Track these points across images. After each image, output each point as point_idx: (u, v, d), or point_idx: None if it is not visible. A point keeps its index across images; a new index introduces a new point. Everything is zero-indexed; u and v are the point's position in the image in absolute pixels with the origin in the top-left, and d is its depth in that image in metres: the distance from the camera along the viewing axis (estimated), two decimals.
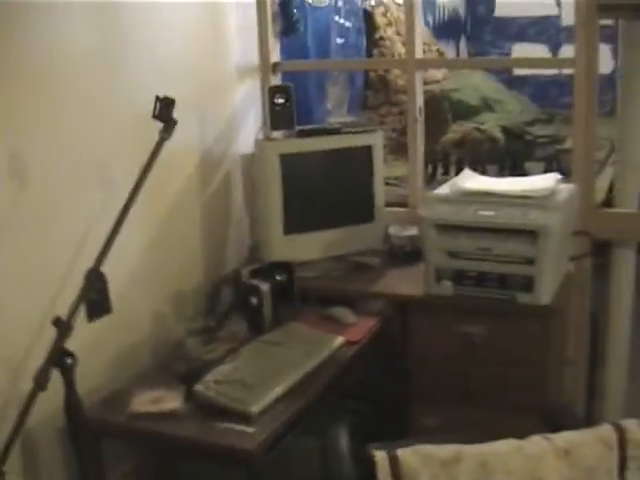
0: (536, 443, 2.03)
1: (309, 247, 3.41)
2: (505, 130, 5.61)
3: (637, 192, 3.46)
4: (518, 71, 7.93)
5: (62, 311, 2.28)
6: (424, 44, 5.34)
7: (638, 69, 3.31)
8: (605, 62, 4.34)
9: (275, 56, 3.88)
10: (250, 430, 2.40)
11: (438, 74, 6.51)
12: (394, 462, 1.95)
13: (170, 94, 2.57)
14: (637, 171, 3.43)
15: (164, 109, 2.53)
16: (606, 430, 2.07)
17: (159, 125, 2.54)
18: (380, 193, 3.54)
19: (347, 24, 5.68)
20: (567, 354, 3.55)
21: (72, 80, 2.68)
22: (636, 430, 2.08)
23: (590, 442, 2.04)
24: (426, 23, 7.21)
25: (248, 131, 3.71)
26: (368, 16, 6.23)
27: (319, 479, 2.60)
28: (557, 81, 7.51)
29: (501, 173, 4.80)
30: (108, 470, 2.76)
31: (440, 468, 1.95)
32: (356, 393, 3.28)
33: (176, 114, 2.57)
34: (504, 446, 2.01)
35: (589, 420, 3.45)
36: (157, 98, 2.53)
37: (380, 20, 6.28)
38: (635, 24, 3.27)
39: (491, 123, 5.75)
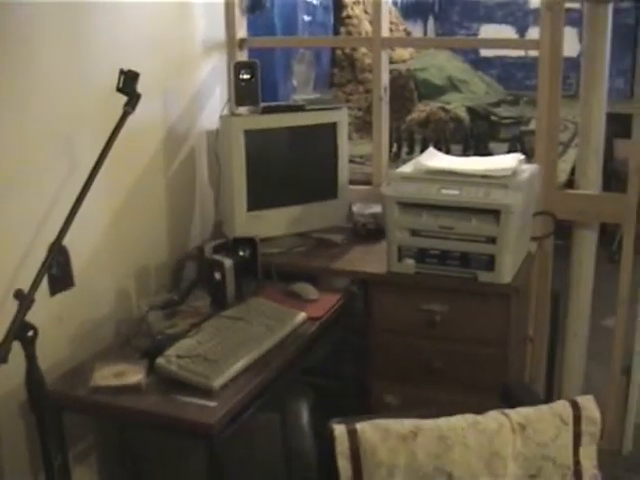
0: (493, 418, 2.06)
1: (273, 223, 3.41)
2: (470, 110, 5.64)
3: (599, 174, 3.50)
4: (484, 52, 7.96)
5: (24, 285, 2.26)
6: (391, 23, 5.35)
7: (600, 52, 3.34)
8: (571, 45, 4.38)
9: (242, 32, 3.88)
10: (211, 404, 2.41)
11: (405, 53, 6.52)
12: (353, 436, 1.98)
13: (135, 69, 2.57)
14: (598, 153, 3.47)
15: (128, 82, 2.53)
16: (562, 406, 2.11)
17: (124, 99, 2.54)
18: (344, 170, 3.54)
19: (314, 1, 5.66)
20: (528, 332, 3.59)
21: (36, 54, 2.65)
22: (591, 406, 2.12)
23: (546, 418, 2.08)
24: (394, 2, 7.20)
25: (213, 107, 3.70)
26: None
27: (280, 454, 2.62)
28: (523, 63, 7.56)
29: (465, 153, 4.81)
30: (70, 444, 2.78)
31: (399, 442, 1.98)
32: (318, 369, 3.30)
33: (141, 89, 2.57)
34: (461, 421, 2.04)
35: (548, 398, 3.50)
36: (121, 71, 2.53)
37: None
38: (599, 8, 3.30)
39: (456, 103, 5.77)
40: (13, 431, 2.70)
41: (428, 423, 2.03)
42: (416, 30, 7.78)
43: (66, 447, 2.67)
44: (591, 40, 3.36)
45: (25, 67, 2.62)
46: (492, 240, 2.91)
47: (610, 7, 3.29)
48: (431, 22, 8.46)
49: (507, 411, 2.09)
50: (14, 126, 2.58)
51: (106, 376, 2.57)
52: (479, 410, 2.12)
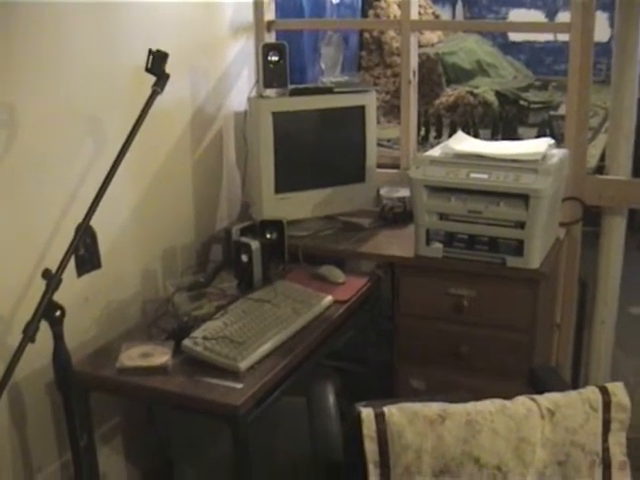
0: (521, 403, 2.04)
1: (300, 206, 3.40)
2: (499, 95, 5.60)
3: (629, 159, 3.46)
4: (513, 36, 7.89)
5: (51, 265, 2.27)
6: (420, 7, 5.31)
7: (632, 37, 3.29)
8: (602, 30, 4.33)
9: (270, 14, 3.86)
10: (238, 386, 2.42)
11: (433, 37, 6.48)
12: (380, 419, 1.96)
13: (163, 49, 2.55)
14: (629, 139, 3.43)
15: (157, 63, 2.52)
16: (592, 392, 2.08)
17: (152, 79, 2.53)
18: (372, 153, 3.52)
19: None
20: (555, 319, 3.57)
21: (65, 33, 2.66)
22: (621, 393, 2.09)
23: (575, 403, 2.05)
24: None
25: (241, 89, 3.69)
26: None
27: (305, 436, 2.61)
28: (552, 48, 7.50)
29: (494, 137, 4.78)
30: (96, 424, 2.79)
31: (426, 426, 1.96)
32: (344, 353, 3.30)
33: (169, 70, 2.56)
34: (490, 406, 2.02)
35: (574, 385, 3.48)
36: (150, 51, 2.52)
37: None
38: None
39: (485, 87, 5.73)
40: (40, 411, 2.72)
41: (456, 407, 2.01)
42: (445, 14, 7.74)
43: (92, 427, 2.69)
44: (623, 24, 3.31)
45: (53, 46, 2.62)
46: (521, 225, 2.89)
47: None
48: (460, 6, 8.39)
49: (536, 397, 2.07)
50: (42, 106, 2.59)
51: (132, 357, 2.58)
52: (506, 395, 2.10)
